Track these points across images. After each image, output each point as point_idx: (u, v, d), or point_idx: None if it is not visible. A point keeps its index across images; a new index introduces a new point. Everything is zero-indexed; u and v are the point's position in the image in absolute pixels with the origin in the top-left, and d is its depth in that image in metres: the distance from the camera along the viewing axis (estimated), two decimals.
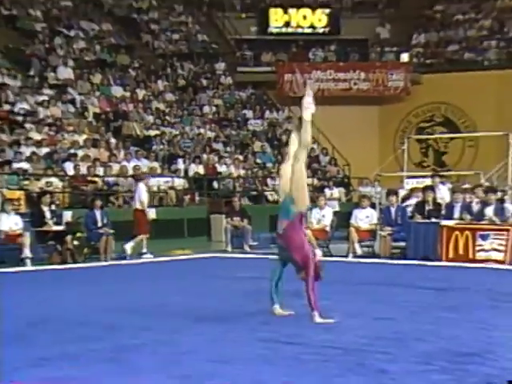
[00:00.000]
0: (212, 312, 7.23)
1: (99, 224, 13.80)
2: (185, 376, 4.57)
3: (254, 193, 20.23)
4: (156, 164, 18.68)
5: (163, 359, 5.05)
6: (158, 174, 18.01)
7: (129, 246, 14.13)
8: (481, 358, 5.02)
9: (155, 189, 17.29)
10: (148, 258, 14.12)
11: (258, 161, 22.27)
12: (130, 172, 17.30)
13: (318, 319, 6.45)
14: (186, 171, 19.33)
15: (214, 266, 13.01)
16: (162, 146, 20.24)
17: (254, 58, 26.82)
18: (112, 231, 13.77)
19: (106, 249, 13.63)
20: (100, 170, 16.91)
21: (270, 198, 20.38)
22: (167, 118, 22.26)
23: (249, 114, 24.86)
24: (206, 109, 24.03)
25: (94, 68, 22.06)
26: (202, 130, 22.45)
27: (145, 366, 4.87)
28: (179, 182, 18.08)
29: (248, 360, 5.02)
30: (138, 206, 14.57)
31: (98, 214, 13.94)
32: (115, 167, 17.38)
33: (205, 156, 20.58)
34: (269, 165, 22.24)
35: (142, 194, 14.63)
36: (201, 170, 19.72)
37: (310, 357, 5.07)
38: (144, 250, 14.32)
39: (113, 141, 19.18)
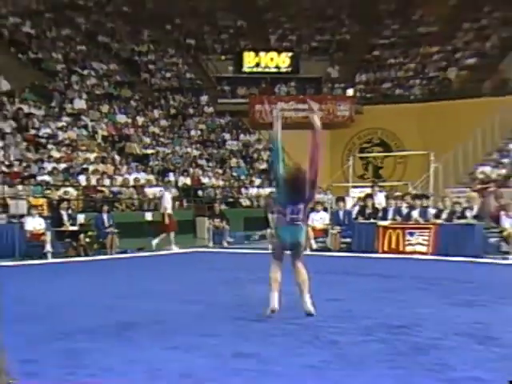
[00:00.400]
0: (196, 296, 7.17)
1: (106, 225, 13.68)
2: (174, 347, 4.53)
3: (231, 199, 20.21)
4: (152, 176, 18.64)
5: (156, 335, 4.99)
6: (154, 185, 17.98)
7: (154, 242, 14.17)
8: (410, 329, 5.04)
9: (151, 196, 17.26)
10: (175, 249, 14.12)
11: (234, 174, 22.26)
12: (131, 183, 17.27)
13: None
14: (177, 182, 19.31)
15: (198, 258, 12.92)
16: (156, 162, 20.18)
17: (231, 91, 26.80)
18: (116, 230, 13.68)
19: (111, 245, 13.51)
20: (107, 182, 16.90)
21: (243, 203, 20.37)
22: (161, 139, 22.17)
23: (227, 136, 24.82)
24: (193, 132, 23.96)
25: (103, 100, 21.92)
26: (189, 149, 22.40)
27: (142, 340, 4.81)
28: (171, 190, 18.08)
29: (225, 335, 4.98)
30: (162, 210, 14.72)
31: (105, 216, 13.81)
32: (119, 179, 17.38)
33: (191, 170, 20.58)
34: (242, 177, 22.25)
35: (165, 201, 14.74)
36: (188, 181, 19.74)
37: (275, 332, 5.05)
38: (173, 245, 14.30)
39: (117, 158, 19.06)
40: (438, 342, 4.57)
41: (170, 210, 14.79)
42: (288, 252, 6.00)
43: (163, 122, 23.55)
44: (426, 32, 27.41)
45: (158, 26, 27.61)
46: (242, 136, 25.23)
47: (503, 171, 18.91)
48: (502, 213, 12.40)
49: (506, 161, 19.29)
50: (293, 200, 5.87)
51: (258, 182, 22.08)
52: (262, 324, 5.37)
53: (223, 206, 18.11)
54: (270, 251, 6.29)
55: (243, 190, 21.11)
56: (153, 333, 5.08)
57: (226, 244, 15.62)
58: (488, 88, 23.76)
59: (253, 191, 21.35)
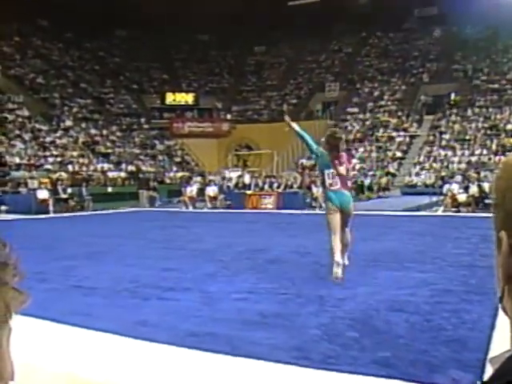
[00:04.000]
0: (140, 235, 6.78)
1: (84, 194, 12.86)
2: (128, 265, 4.26)
3: (160, 179, 19.52)
4: (111, 165, 17.60)
5: (115, 258, 4.67)
6: (113, 170, 17.08)
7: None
8: (265, 251, 5.00)
9: (111, 177, 16.40)
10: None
11: (161, 164, 21.47)
12: (99, 169, 16.30)
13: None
14: (127, 169, 18.32)
15: (140, 215, 12.30)
16: (114, 157, 18.97)
17: (160, 116, 25.62)
18: (90, 197, 12.98)
19: (88, 206, 12.72)
20: (84, 169, 15.90)
21: (167, 181, 19.79)
22: (117, 143, 20.72)
23: (157, 142, 23.72)
24: (136, 140, 22.61)
25: (82, 121, 20.13)
26: (134, 150, 21.15)
27: (107, 261, 4.45)
28: (123, 174, 17.23)
29: (158, 257, 4.76)
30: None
31: (83, 189, 12.97)
32: (91, 167, 16.24)
33: (135, 162, 19.56)
34: (166, 166, 21.58)
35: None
36: (134, 168, 18.77)
37: (187, 255, 4.87)
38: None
39: (90, 155, 17.69)
40: (280, 257, 4.68)
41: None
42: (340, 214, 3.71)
43: (118, 133, 22.04)
44: (270, 84, 27.94)
45: (115, 77, 25.76)
46: (166, 142, 24.25)
47: (312, 161, 19.94)
48: (312, 185, 13.04)
49: (313, 156, 20.27)
50: (331, 161, 3.74)
51: (175, 168, 21.51)
52: (180, 251, 5.22)
53: (155, 183, 17.42)
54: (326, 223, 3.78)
55: (166, 174, 20.48)
56: (113, 257, 4.76)
57: (157, 206, 15.03)
58: (303, 116, 24.78)
59: (172, 174, 20.77)
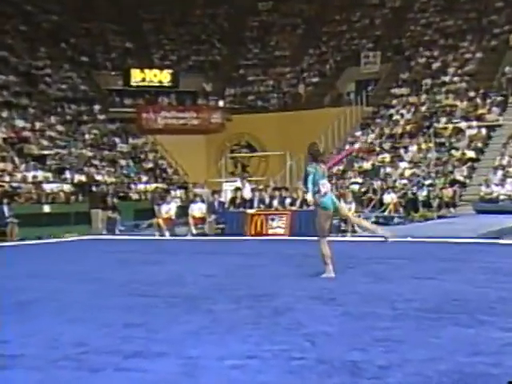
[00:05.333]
0: (92, 275, 6.85)
1: (6, 215, 12.84)
2: (69, 320, 4.28)
3: (122, 194, 19.64)
4: (49, 174, 17.69)
5: (53, 310, 4.70)
6: (52, 181, 17.18)
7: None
8: (271, 297, 5.13)
9: (48, 191, 16.51)
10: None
11: (124, 172, 21.64)
12: (30, 179, 16.36)
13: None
14: (73, 179, 18.48)
15: (93, 245, 12.36)
16: (54, 162, 19.13)
17: (121, 102, 25.95)
18: (16, 221, 12.87)
19: (11, 233, 12.72)
20: (7, 178, 15.80)
21: (133, 197, 19.90)
22: (58, 142, 20.97)
23: (117, 140, 23.97)
24: (87, 136, 22.85)
25: (2, 107, 20.28)
26: (83, 151, 21.36)
27: (40, 315, 4.49)
28: (67, 187, 17.33)
29: (117, 308, 4.80)
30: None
31: (5, 208, 12.97)
32: (18, 176, 16.30)
33: (86, 169, 19.73)
34: (132, 175, 21.72)
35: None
36: (83, 178, 18.92)
37: (161, 304, 4.95)
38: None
39: (16, 158, 17.82)
40: (293, 306, 4.70)
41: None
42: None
43: (59, 127, 22.25)
44: (280, 55, 28.34)
45: (53, 44, 26.07)
46: (130, 140, 24.50)
47: (341, 167, 20.14)
48: (341, 199, 13.11)
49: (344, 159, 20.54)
50: (323, 174, 6.17)
51: (145, 178, 21.64)
52: (150, 298, 5.24)
53: (115, 200, 17.53)
54: (318, 233, 6.25)
55: (132, 186, 20.62)
56: (50, 308, 4.78)
57: (117, 232, 15.12)
58: (328, 101, 25.08)
59: (141, 187, 20.90)
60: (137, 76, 26.21)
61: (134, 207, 18.38)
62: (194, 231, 13.80)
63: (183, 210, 15.42)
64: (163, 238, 13.65)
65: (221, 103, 26.53)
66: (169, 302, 5.02)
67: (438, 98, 21.73)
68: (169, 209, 14.53)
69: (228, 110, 26.31)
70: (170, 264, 7.97)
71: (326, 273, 6.10)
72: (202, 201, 14.95)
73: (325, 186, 6.13)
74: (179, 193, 20.84)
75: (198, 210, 14.20)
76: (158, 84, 26.53)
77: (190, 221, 13.87)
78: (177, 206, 15.60)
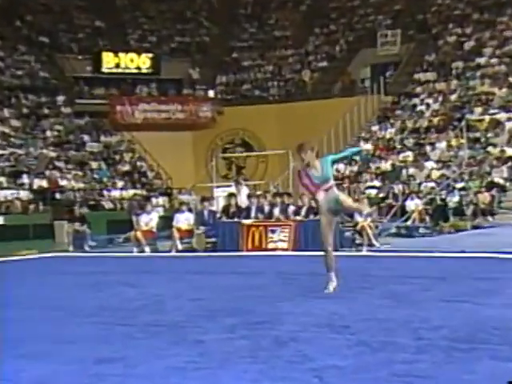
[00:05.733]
0: (56, 302, 6.86)
1: None
2: (30, 356, 4.29)
3: (93, 202, 19.64)
4: (3, 179, 17.69)
5: (10, 343, 4.70)
6: (5, 187, 17.16)
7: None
8: (272, 324, 5.15)
9: (2, 199, 16.45)
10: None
11: (95, 176, 21.65)
12: None
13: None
14: (31, 185, 18.44)
15: (58, 264, 12.36)
16: (8, 163, 19.10)
17: (90, 92, 26.02)
18: None
19: None
20: None
21: (106, 206, 19.88)
22: (13, 140, 20.98)
23: (86, 137, 24.01)
24: (48, 133, 22.88)
25: None
26: (44, 151, 21.37)
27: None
28: (25, 194, 17.31)
29: (88, 340, 4.82)
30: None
31: None
32: None
33: (48, 172, 19.72)
34: (105, 179, 21.70)
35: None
36: (44, 183, 18.89)
37: (140, 334, 4.96)
38: None
39: None
40: (298, 335, 4.71)
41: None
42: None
43: (14, 122, 22.26)
44: (280, 36, 28.44)
45: (6, 22, 26.03)
46: (102, 137, 24.55)
47: (355, 168, 20.18)
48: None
49: (357, 158, 20.59)
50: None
51: (120, 184, 21.64)
52: (127, 327, 5.25)
53: (84, 209, 17.55)
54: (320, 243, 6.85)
55: (105, 193, 20.62)
56: (7, 341, 4.77)
57: (87, 248, 15.13)
58: (338, 89, 25.19)
59: (116, 193, 20.89)
60: (109, 61, 26.35)
61: (107, 218, 18.43)
62: (180, 246, 13.82)
63: (166, 222, 15.44)
64: (143, 254, 13.68)
65: (211, 93, 26.67)
66: (149, 332, 5.03)
67: (471, 84, 21.87)
68: (149, 220, 14.55)
69: (219, 102, 26.45)
70: (150, 286, 7.97)
71: (329, 283, 6.64)
72: (189, 210, 14.99)
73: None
74: (162, 200, 20.91)
75: (184, 220, 14.22)
76: (135, 71, 26.71)
77: (175, 234, 13.88)
78: (159, 216, 15.64)
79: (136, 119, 24.97)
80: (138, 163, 24.17)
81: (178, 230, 13.99)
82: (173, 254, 13.63)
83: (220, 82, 27.75)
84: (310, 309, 5.82)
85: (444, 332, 4.57)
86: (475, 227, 14.97)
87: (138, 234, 14.09)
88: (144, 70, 26.73)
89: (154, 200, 19.39)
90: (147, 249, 13.92)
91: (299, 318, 5.35)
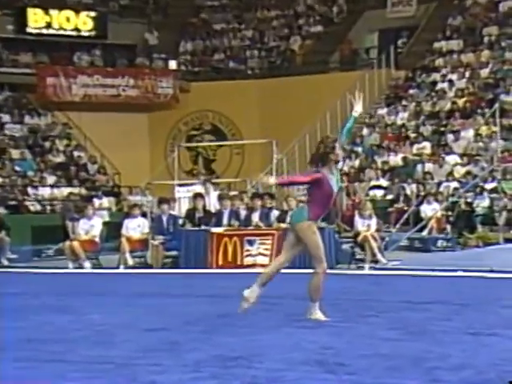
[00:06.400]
0: None
1: None
2: None
3: (13, 202, 19.50)
4: None
5: None
6: None
7: None
8: (248, 361, 5.18)
9: None
10: None
11: (17, 168, 21.50)
12: None
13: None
14: None
15: None
16: None
17: (11, 58, 25.74)
18: None
19: None
20: None
21: (31, 208, 19.79)
22: None
23: (5, 118, 23.81)
24: None
25: None
26: None
27: None
28: None
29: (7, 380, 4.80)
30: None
31: None
32: None
33: None
34: (30, 173, 21.55)
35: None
36: None
37: (77, 374, 4.96)
38: None
39: None
40: (282, 374, 4.73)
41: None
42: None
43: None
44: None
45: None
46: (27, 118, 24.36)
47: (356, 162, 20.28)
48: (356, 212, 13.27)
49: (359, 150, 20.68)
50: None
51: (51, 179, 21.53)
52: (60, 365, 5.24)
53: (1, 211, 17.48)
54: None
55: (30, 191, 20.50)
56: None
57: (5, 262, 15.07)
58: (336, 61, 25.30)
59: (45, 192, 20.79)
60: (37, 19, 26.15)
61: (32, 224, 18.33)
62: (131, 261, 13.81)
63: (113, 229, 15.40)
64: (81, 271, 13.62)
65: (172, 64, 26.63)
66: (89, 370, 5.03)
67: (507, 56, 22.10)
68: (90, 227, 14.52)
69: (183, 76, 26.42)
70: (92, 313, 7.95)
71: (315, 314, 6.90)
72: (143, 215, 14.96)
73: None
74: (107, 202, 20.82)
75: (136, 228, 14.20)
76: (72, 33, 26.56)
77: (124, 245, 13.86)
78: (103, 222, 15.58)
79: (73, 96, 24.82)
80: (76, 153, 24.04)
81: (129, 240, 13.97)
82: (121, 270, 13.60)
83: (184, 50, 27.72)
84: (297, 341, 5.85)
85: (466, 373, 4.61)
86: (509, 240, 15.17)
87: (75, 244, 14.03)
88: (84, 33, 26.58)
89: (96, 201, 19.31)
90: (87, 264, 13.89)
91: (283, 354, 5.36)
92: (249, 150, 24.16)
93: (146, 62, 27.00)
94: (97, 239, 14.50)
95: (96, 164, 24.00)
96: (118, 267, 13.79)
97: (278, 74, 25.51)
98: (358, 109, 7.18)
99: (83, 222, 14.61)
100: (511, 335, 5.94)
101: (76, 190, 21.47)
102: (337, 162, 6.93)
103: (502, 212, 16.25)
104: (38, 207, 20.14)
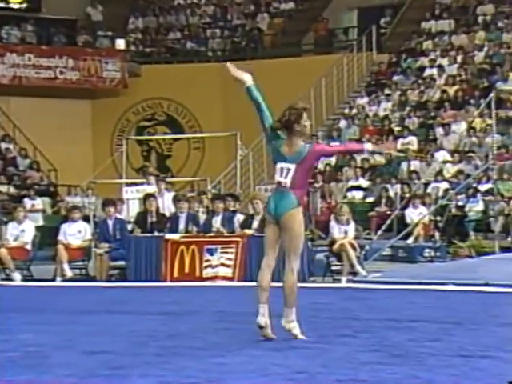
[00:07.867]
0: None
1: None
2: None
3: None
4: None
5: None
6: None
7: None
8: None
9: None
10: None
11: None
12: None
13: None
14: None
15: None
16: None
17: None
18: None
19: None
20: None
21: None
22: None
23: None
24: None
25: None
26: None
27: None
28: None
29: None
30: None
31: None
32: None
33: None
34: None
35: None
36: None
37: None
38: None
39: None
40: None
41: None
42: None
43: None
44: None
45: None
46: None
47: (332, 160, 20.36)
48: (332, 217, 13.32)
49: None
50: (283, 155, 6.70)
51: None
52: None
53: None
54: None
55: None
56: None
57: None
58: (310, 43, 25.37)
59: None
60: None
61: None
62: (69, 273, 13.74)
63: (48, 235, 15.30)
64: (9, 283, 13.55)
65: (120, 44, 26.50)
66: None
67: (504, 38, 22.34)
68: (21, 232, 14.41)
69: (133, 57, 26.32)
70: (22, 332, 7.90)
71: (294, 326, 6.95)
72: (85, 219, 14.89)
73: (282, 172, 6.69)
74: (41, 203, 20.67)
75: (75, 234, 14.14)
76: (0, 5, 26.29)
77: (62, 254, 13.78)
78: (36, 226, 15.47)
79: (0, 78, 24.59)
80: (3, 145, 23.82)
81: (67, 247, 13.90)
82: (58, 283, 13.51)
83: (134, 27, 27.62)
84: (264, 365, 5.85)
85: None
86: (506, 249, 15.34)
87: (3, 252, 13.92)
88: (14, 5, 26.36)
89: (28, 202, 19.19)
90: (16, 275, 13.78)
91: (248, 380, 5.36)
92: (209, 144, 24.17)
93: (89, 40, 26.83)
94: (28, 246, 14.38)
95: (27, 158, 23.80)
96: (53, 279, 13.70)
97: (243, 56, 25.50)
98: (246, 77, 7.38)
99: (12, 226, 14.52)
100: (507, 358, 6.00)
101: (3, 189, 21.29)
102: (302, 135, 6.75)
103: (497, 217, 16.39)
104: None
